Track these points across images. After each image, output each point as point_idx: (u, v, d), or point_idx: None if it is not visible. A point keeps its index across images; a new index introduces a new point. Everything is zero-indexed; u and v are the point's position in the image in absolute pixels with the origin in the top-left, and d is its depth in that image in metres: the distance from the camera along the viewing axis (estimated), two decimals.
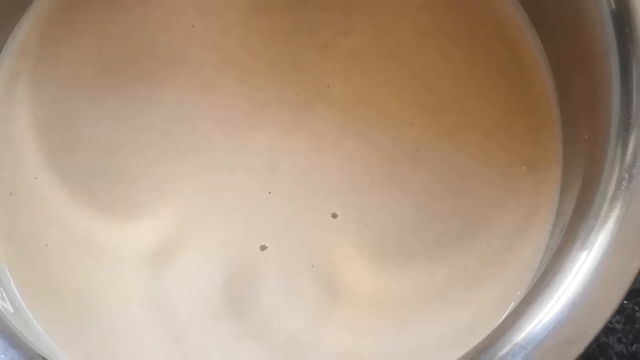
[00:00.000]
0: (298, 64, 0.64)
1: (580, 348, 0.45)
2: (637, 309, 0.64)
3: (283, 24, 0.65)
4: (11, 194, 0.61)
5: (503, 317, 0.56)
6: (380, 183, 0.61)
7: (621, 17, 0.52)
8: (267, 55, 0.64)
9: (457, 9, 0.65)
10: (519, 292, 0.57)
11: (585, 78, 0.56)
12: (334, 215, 0.60)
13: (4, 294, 0.57)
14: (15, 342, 0.50)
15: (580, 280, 0.47)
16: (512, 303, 0.57)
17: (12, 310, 0.57)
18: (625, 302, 0.47)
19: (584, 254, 0.48)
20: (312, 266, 0.59)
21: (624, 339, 0.64)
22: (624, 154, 0.50)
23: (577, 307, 0.46)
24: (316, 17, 0.65)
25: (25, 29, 0.65)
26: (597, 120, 0.54)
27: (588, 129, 0.55)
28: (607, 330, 0.63)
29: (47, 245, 0.60)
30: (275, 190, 0.61)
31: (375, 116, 0.62)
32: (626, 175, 0.49)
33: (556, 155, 0.61)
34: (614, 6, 0.52)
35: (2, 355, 0.48)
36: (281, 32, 0.64)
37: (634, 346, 0.64)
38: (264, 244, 0.60)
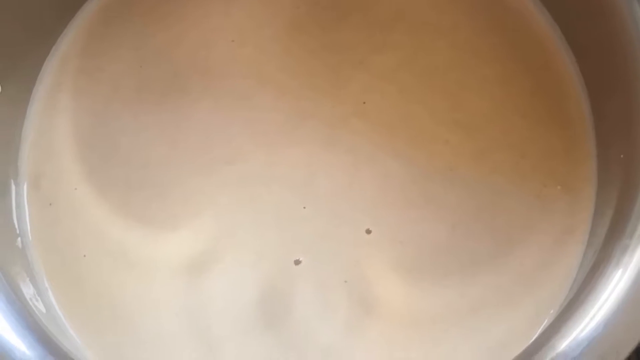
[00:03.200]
0: (334, 80, 0.65)
1: None
2: None
3: (320, 41, 0.66)
4: (51, 204, 0.63)
5: (535, 336, 0.57)
6: (414, 200, 0.62)
7: None
8: (304, 72, 0.66)
9: (493, 29, 0.66)
10: (551, 311, 0.58)
11: (621, 99, 0.57)
12: (368, 231, 0.62)
13: (38, 297, 0.59)
14: (54, 349, 0.52)
15: (614, 298, 0.48)
16: (545, 322, 0.58)
17: (44, 311, 0.58)
18: None
19: (619, 273, 0.49)
20: (346, 281, 0.60)
21: None
22: None
23: (612, 325, 0.48)
24: (353, 35, 0.66)
25: (67, 43, 0.67)
26: (632, 140, 0.55)
27: (623, 149, 0.57)
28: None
29: (84, 255, 0.62)
30: (310, 205, 0.62)
31: (411, 133, 0.64)
32: None
33: (591, 176, 0.62)
34: None
35: None
36: (318, 49, 0.66)
37: None
38: (298, 258, 0.61)
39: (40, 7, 0.64)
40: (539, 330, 0.58)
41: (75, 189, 0.63)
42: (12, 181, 0.63)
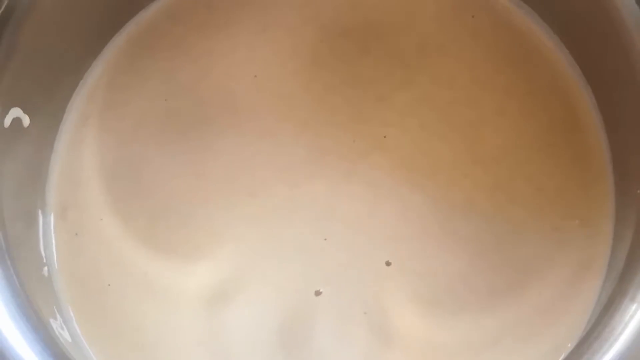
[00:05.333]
0: (356, 114, 0.67)
1: None
2: None
3: (342, 76, 0.68)
4: (77, 234, 0.65)
5: None
6: (433, 232, 0.63)
7: None
8: (326, 106, 0.67)
9: (512, 63, 0.67)
10: (569, 345, 0.59)
11: (638, 134, 0.58)
12: (388, 263, 0.63)
13: (63, 325, 0.61)
14: None
15: (629, 333, 0.49)
16: (562, 356, 0.59)
17: (70, 339, 0.60)
18: None
19: (634, 307, 0.49)
20: (365, 312, 0.61)
21: None
22: None
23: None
24: (374, 70, 0.68)
25: (95, 76, 0.69)
26: None
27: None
28: None
29: (109, 285, 0.63)
30: (331, 236, 0.64)
31: (430, 167, 0.65)
32: None
33: (608, 210, 0.63)
34: None
35: None
36: (340, 84, 0.68)
37: None
38: (318, 289, 0.62)
39: (69, 42, 0.66)
40: None
41: (101, 219, 0.65)
42: (39, 211, 0.65)
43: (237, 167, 0.66)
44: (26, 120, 0.61)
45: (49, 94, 0.65)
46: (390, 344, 0.61)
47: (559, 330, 0.60)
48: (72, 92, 0.68)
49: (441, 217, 0.64)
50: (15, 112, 0.60)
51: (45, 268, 0.63)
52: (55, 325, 0.60)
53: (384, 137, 0.66)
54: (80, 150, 0.67)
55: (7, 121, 0.59)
